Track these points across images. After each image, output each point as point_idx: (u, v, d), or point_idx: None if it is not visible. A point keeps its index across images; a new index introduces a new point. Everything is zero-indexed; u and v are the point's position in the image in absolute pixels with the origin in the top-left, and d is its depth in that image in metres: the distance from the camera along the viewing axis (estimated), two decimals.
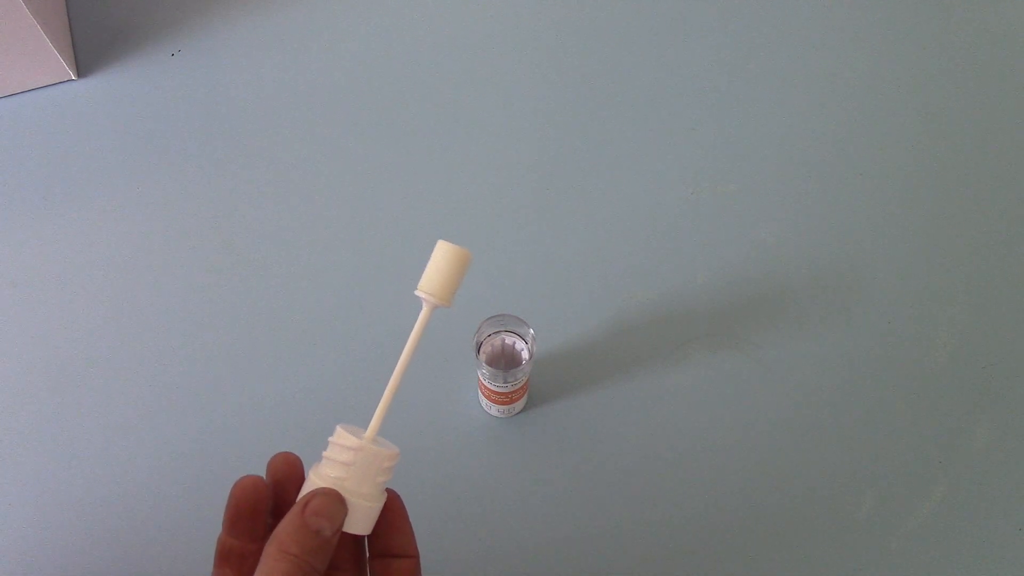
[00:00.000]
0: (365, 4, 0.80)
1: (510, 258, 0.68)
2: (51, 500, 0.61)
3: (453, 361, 0.64)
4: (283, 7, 0.80)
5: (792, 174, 0.72)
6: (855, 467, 0.61)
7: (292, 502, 0.34)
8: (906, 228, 0.70)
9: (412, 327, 0.36)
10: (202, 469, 0.61)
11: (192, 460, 0.62)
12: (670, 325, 0.66)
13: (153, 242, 0.70)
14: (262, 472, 0.35)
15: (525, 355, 0.56)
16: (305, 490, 0.33)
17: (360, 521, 0.33)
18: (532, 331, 0.56)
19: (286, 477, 0.35)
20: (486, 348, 0.57)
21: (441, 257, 0.34)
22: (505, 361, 0.58)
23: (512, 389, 0.57)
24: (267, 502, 0.34)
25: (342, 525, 0.32)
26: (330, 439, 0.34)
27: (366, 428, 0.35)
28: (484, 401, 0.61)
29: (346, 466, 0.33)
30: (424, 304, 0.35)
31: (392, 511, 0.35)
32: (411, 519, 0.37)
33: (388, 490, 0.35)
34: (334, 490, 0.32)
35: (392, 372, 0.35)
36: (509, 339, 0.57)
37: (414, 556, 0.36)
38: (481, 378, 0.57)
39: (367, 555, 0.36)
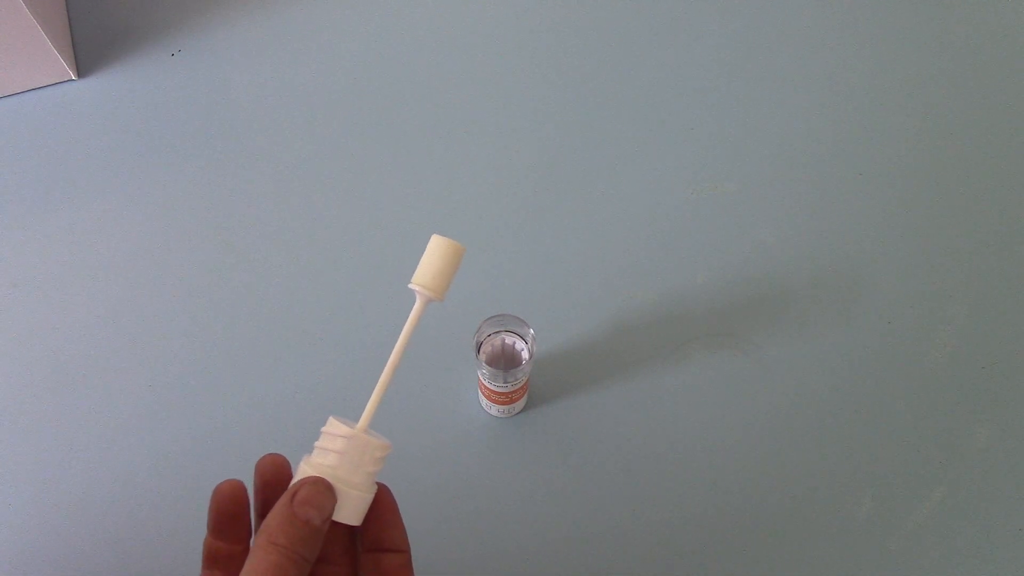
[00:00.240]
0: (365, 4, 0.80)
1: (510, 258, 0.68)
2: (51, 500, 0.61)
3: (453, 361, 0.64)
4: (283, 7, 0.80)
5: (792, 174, 0.72)
6: (855, 467, 0.61)
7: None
8: (906, 228, 0.70)
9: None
10: (202, 468, 0.61)
11: (192, 460, 0.62)
12: (670, 325, 0.66)
13: (153, 242, 0.70)
14: (250, 474, 0.35)
15: (525, 355, 0.56)
16: (295, 480, 0.33)
17: (350, 511, 0.33)
18: (532, 331, 0.56)
19: (274, 478, 0.35)
20: (486, 348, 0.57)
21: (434, 251, 0.35)
22: (505, 361, 0.58)
23: (512, 389, 0.57)
24: (248, 504, 0.34)
25: (331, 514, 0.32)
26: (323, 429, 0.34)
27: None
28: (484, 401, 0.61)
29: (337, 454, 0.33)
30: (417, 297, 0.35)
31: (383, 505, 0.35)
32: (411, 518, 0.37)
33: (379, 483, 0.35)
34: (322, 478, 0.32)
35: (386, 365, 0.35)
36: (509, 339, 0.57)
37: (405, 550, 0.35)
38: (481, 378, 0.57)
39: (358, 549, 0.36)
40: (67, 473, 0.62)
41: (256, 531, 0.34)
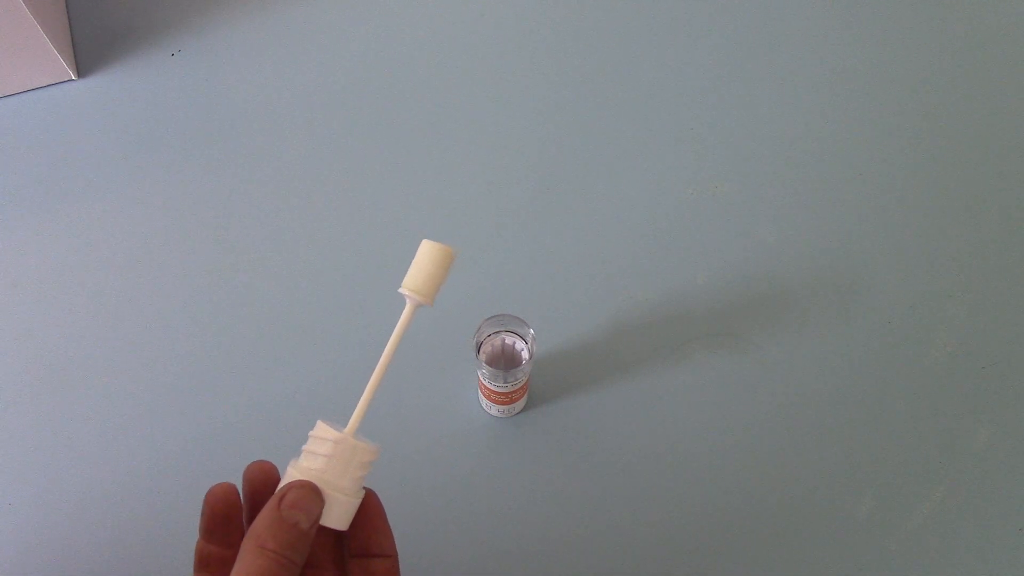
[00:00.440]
0: (365, 4, 0.80)
1: (510, 258, 0.68)
2: (51, 500, 0.61)
3: (453, 361, 0.64)
4: (283, 7, 0.80)
5: (792, 174, 0.72)
6: (855, 467, 0.61)
7: None
8: (906, 228, 0.70)
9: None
10: (202, 468, 0.61)
11: (192, 459, 0.62)
12: (670, 325, 0.66)
13: (153, 242, 0.70)
14: (239, 478, 0.35)
15: (525, 355, 0.56)
16: (283, 484, 0.33)
17: (337, 515, 0.33)
18: (532, 331, 0.56)
19: (263, 485, 0.35)
20: (486, 348, 0.57)
21: (424, 255, 0.35)
22: (505, 361, 0.58)
23: (512, 389, 0.57)
24: (240, 508, 0.34)
25: (319, 517, 0.32)
26: (311, 433, 0.34)
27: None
28: (484, 401, 0.61)
29: (324, 458, 0.33)
30: (407, 302, 0.35)
31: (370, 510, 0.35)
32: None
33: (366, 488, 0.35)
34: (309, 482, 0.32)
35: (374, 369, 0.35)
36: (509, 339, 0.57)
37: (392, 556, 0.35)
38: (481, 378, 0.57)
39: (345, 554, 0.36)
40: (67, 473, 0.62)
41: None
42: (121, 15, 0.80)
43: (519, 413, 0.63)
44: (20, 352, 0.66)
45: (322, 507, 0.32)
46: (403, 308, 0.36)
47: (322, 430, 0.33)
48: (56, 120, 0.74)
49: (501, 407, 0.60)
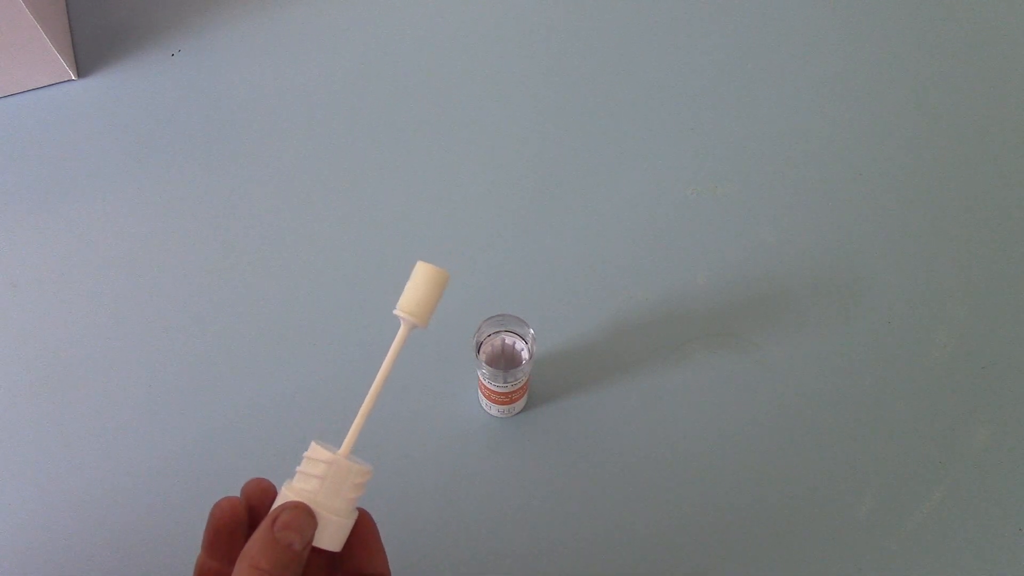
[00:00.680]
0: (365, 4, 0.80)
1: (510, 258, 0.68)
2: (51, 500, 0.61)
3: (453, 361, 0.64)
4: (283, 7, 0.80)
5: (792, 174, 0.72)
6: (855, 467, 0.61)
7: None
8: (906, 228, 0.70)
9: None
10: (202, 468, 0.61)
11: (192, 459, 0.62)
12: (670, 325, 0.66)
13: (153, 242, 0.70)
14: (249, 474, 0.35)
15: (525, 355, 0.56)
16: (277, 504, 0.33)
17: (330, 537, 0.33)
18: (532, 331, 0.56)
19: (260, 503, 0.35)
20: (486, 348, 0.57)
21: (419, 277, 0.35)
22: (505, 361, 0.58)
23: (512, 389, 0.57)
24: (245, 524, 0.34)
25: (312, 539, 0.32)
26: (305, 454, 0.34)
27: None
28: (484, 401, 0.61)
29: (317, 479, 0.33)
30: (402, 324, 0.36)
31: (364, 530, 0.35)
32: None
33: (360, 509, 0.35)
34: (303, 503, 0.32)
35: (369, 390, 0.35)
36: (509, 339, 0.57)
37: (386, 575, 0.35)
38: (481, 378, 0.57)
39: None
40: (67, 473, 0.62)
41: None
42: (121, 15, 0.80)
43: (519, 413, 0.63)
44: (20, 352, 0.66)
45: (315, 528, 0.32)
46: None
47: (316, 451, 0.34)
48: (56, 120, 0.74)
49: (501, 407, 0.60)
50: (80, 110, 0.75)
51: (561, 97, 0.76)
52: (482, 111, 0.75)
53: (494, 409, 0.61)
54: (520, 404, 0.61)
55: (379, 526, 0.36)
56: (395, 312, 0.35)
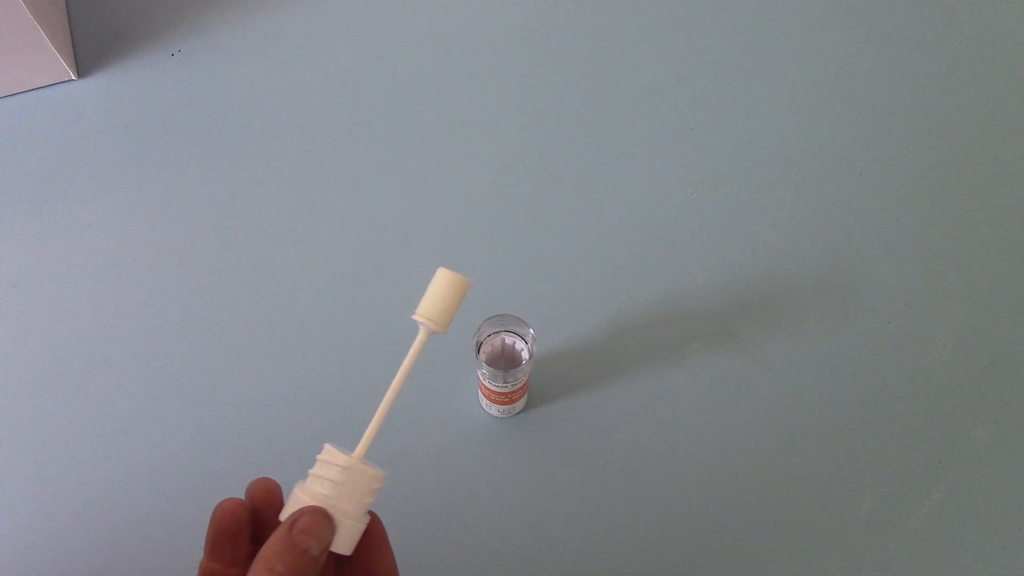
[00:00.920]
0: (365, 4, 0.80)
1: (510, 258, 0.68)
2: (51, 500, 0.61)
3: (453, 361, 0.64)
4: (283, 7, 0.80)
5: (792, 174, 0.72)
6: (855, 467, 0.61)
7: (271, 528, 0.34)
8: (906, 228, 0.70)
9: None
10: (202, 468, 0.61)
11: (192, 459, 0.62)
12: (670, 325, 0.66)
13: (153, 242, 0.70)
14: (250, 475, 0.35)
15: (525, 355, 0.56)
16: (290, 506, 0.33)
17: (343, 541, 0.33)
18: (532, 331, 0.56)
19: (265, 503, 0.34)
20: (486, 348, 0.57)
21: (441, 284, 0.35)
22: (505, 361, 0.58)
23: (512, 389, 0.57)
24: (248, 525, 0.34)
25: (330, 544, 0.32)
26: (318, 457, 0.34)
27: (353, 448, 0.34)
28: (484, 401, 0.61)
29: (334, 484, 0.33)
30: (421, 329, 0.35)
31: (373, 531, 0.35)
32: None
33: (370, 513, 0.35)
34: (322, 508, 0.32)
35: (384, 393, 0.35)
36: (509, 339, 0.57)
37: None
38: (481, 378, 0.57)
39: None
40: (67, 473, 0.62)
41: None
42: (121, 15, 0.80)
43: (519, 413, 0.63)
44: (20, 352, 0.66)
45: (333, 534, 0.32)
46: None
47: (331, 454, 0.33)
48: (56, 120, 0.74)
49: (501, 407, 0.60)
50: (80, 110, 0.75)
51: (561, 97, 0.76)
52: (482, 111, 0.75)
53: (494, 409, 0.61)
54: (520, 404, 0.61)
55: None
56: (414, 317, 0.35)
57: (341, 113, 0.75)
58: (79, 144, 0.73)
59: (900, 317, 0.67)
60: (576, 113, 0.75)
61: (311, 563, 0.31)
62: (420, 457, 0.61)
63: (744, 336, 0.66)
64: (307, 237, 0.70)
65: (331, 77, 0.77)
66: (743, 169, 0.72)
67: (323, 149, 0.73)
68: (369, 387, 0.63)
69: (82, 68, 0.77)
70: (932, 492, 0.61)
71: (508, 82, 0.77)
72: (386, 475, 0.34)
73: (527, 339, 0.56)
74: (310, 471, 0.34)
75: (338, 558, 0.35)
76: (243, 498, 0.35)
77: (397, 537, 0.36)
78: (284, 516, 0.33)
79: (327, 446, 0.34)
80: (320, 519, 0.32)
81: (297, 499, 0.33)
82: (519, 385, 0.57)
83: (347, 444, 0.35)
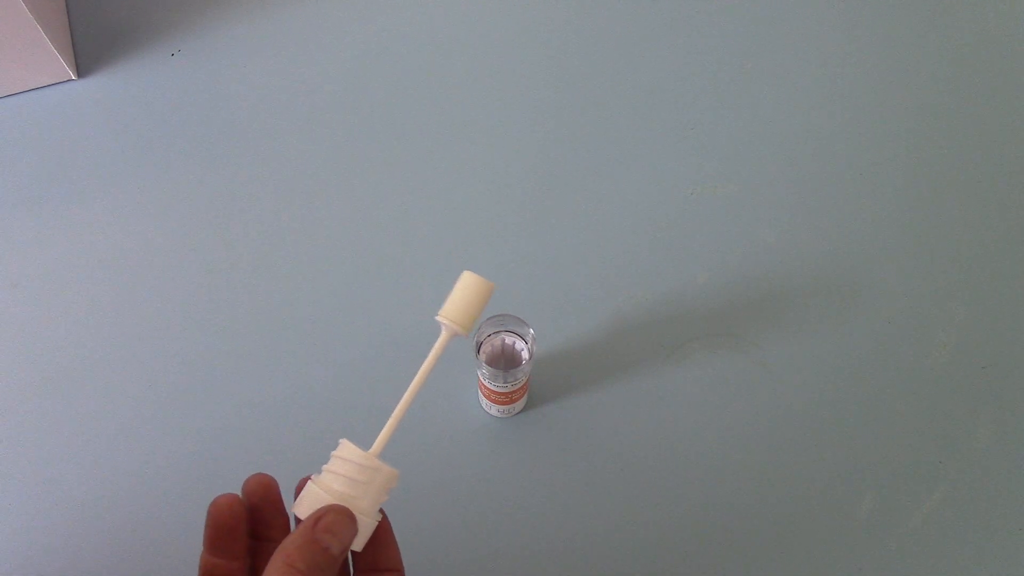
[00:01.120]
0: (365, 4, 0.80)
1: (510, 258, 0.68)
2: (51, 501, 0.61)
3: (453, 361, 0.64)
4: (283, 7, 0.80)
5: (792, 174, 0.72)
6: (855, 467, 0.61)
7: (268, 523, 0.35)
8: (906, 228, 0.70)
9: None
10: (203, 468, 0.61)
11: (193, 459, 0.62)
12: (670, 325, 0.66)
13: (153, 242, 0.70)
14: (249, 473, 0.35)
15: (525, 355, 0.56)
16: (305, 500, 0.33)
17: (358, 537, 0.33)
18: (532, 331, 0.56)
19: (262, 499, 0.35)
20: (486, 348, 0.57)
21: (466, 287, 0.35)
22: (505, 361, 0.58)
23: (512, 389, 0.57)
24: (245, 520, 0.34)
25: (351, 544, 0.32)
26: (337, 454, 0.34)
27: (361, 442, 0.34)
28: (484, 401, 0.61)
29: (351, 480, 0.33)
30: (443, 330, 0.36)
31: (381, 528, 0.35)
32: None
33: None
34: (346, 508, 0.32)
35: (393, 390, 0.35)
36: (509, 339, 0.57)
37: (400, 570, 0.36)
38: (481, 378, 0.57)
39: (351, 570, 0.36)
40: (67, 473, 0.62)
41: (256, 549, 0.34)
42: (121, 15, 0.80)
43: (519, 413, 0.63)
44: (20, 352, 0.66)
45: (355, 535, 0.32)
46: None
47: (349, 451, 0.33)
48: (56, 120, 0.74)
49: (501, 407, 0.60)
50: (80, 110, 0.75)
51: (562, 97, 0.76)
52: (482, 110, 0.75)
53: (494, 409, 0.61)
54: (520, 404, 0.61)
55: None
56: (437, 318, 0.35)
57: (341, 113, 0.75)
58: (79, 144, 0.73)
59: (900, 317, 0.66)
60: (576, 113, 0.75)
61: (331, 561, 0.31)
62: (420, 457, 0.61)
63: (744, 336, 0.66)
64: (307, 237, 0.70)
65: (331, 77, 0.77)
66: (743, 169, 0.72)
67: (323, 149, 0.73)
68: (369, 386, 0.63)
69: (82, 68, 0.77)
70: (932, 492, 0.61)
71: (508, 82, 0.77)
72: (399, 473, 0.35)
73: (527, 339, 0.56)
74: (325, 467, 0.34)
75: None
76: (238, 493, 0.35)
77: (397, 536, 0.36)
78: (299, 510, 0.33)
79: (344, 441, 0.34)
80: (344, 519, 0.32)
81: (315, 494, 0.33)
82: (519, 385, 0.57)
83: (374, 444, 0.35)
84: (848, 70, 0.77)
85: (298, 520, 0.36)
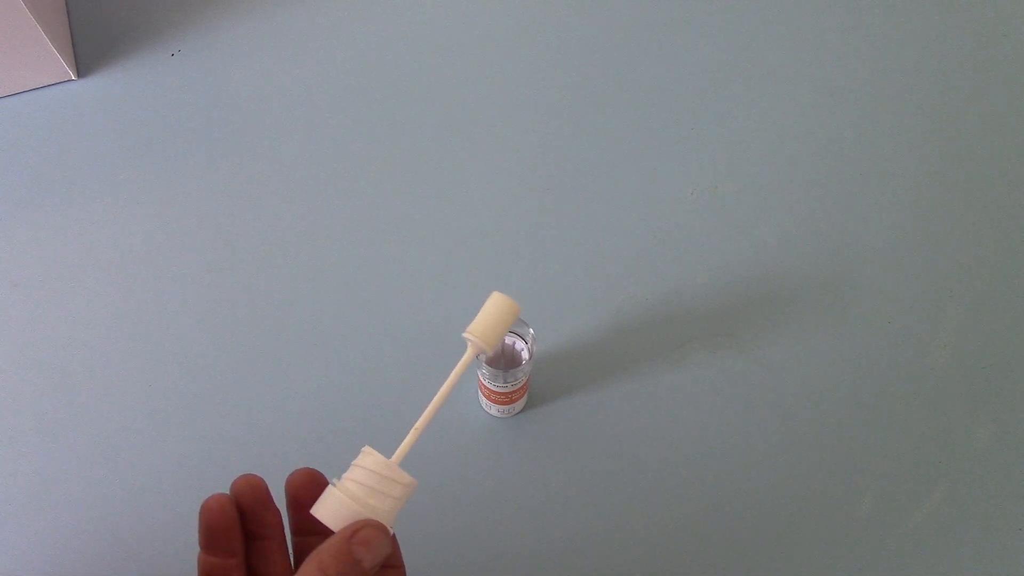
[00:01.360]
0: (364, 4, 0.80)
1: (510, 258, 0.68)
2: (51, 501, 0.61)
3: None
4: (283, 7, 0.80)
5: (792, 174, 0.72)
6: (855, 467, 0.61)
7: (260, 521, 0.35)
8: (906, 228, 0.70)
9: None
10: (203, 469, 0.61)
11: (193, 460, 0.62)
12: (670, 325, 0.66)
13: (153, 242, 0.70)
14: (226, 488, 0.36)
15: (525, 355, 0.56)
16: (325, 504, 0.33)
17: None
18: (532, 331, 0.56)
19: (252, 499, 0.35)
20: None
21: (495, 306, 0.37)
22: (505, 361, 0.58)
23: (512, 389, 0.57)
24: (237, 520, 0.34)
25: (382, 561, 0.33)
26: (355, 462, 0.34)
27: (360, 442, 0.35)
28: (484, 401, 0.61)
29: (374, 491, 0.33)
30: (469, 347, 0.37)
31: None
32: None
33: None
34: (383, 525, 0.33)
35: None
36: (509, 339, 0.57)
37: (400, 567, 0.36)
38: (481, 378, 0.58)
39: None
40: (67, 474, 0.62)
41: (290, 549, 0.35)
42: (121, 15, 0.80)
43: (519, 413, 0.63)
44: (20, 352, 0.66)
45: (388, 552, 0.33)
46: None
47: (374, 460, 0.34)
48: (56, 120, 0.74)
49: (501, 407, 0.60)
50: (80, 110, 0.75)
51: (562, 97, 0.76)
52: (482, 111, 0.75)
53: (494, 409, 0.61)
54: (520, 404, 0.61)
55: None
56: (464, 335, 0.37)
57: (341, 113, 0.75)
58: (79, 144, 0.73)
59: (900, 317, 0.67)
60: (576, 113, 0.75)
61: (361, 574, 0.32)
62: (420, 457, 0.61)
63: (744, 336, 0.66)
64: (307, 237, 0.70)
65: (331, 77, 0.77)
66: (743, 169, 0.72)
67: (323, 149, 0.73)
68: (372, 388, 0.63)
69: (82, 68, 0.77)
70: (932, 492, 0.61)
71: (508, 82, 0.77)
72: (416, 482, 0.35)
73: (527, 339, 0.56)
74: (347, 476, 0.34)
75: None
76: (228, 493, 0.35)
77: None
78: (319, 513, 0.33)
79: (368, 449, 0.34)
80: (380, 535, 0.32)
81: (339, 500, 0.33)
82: (519, 385, 0.57)
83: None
84: (848, 70, 0.77)
85: (296, 516, 0.36)
